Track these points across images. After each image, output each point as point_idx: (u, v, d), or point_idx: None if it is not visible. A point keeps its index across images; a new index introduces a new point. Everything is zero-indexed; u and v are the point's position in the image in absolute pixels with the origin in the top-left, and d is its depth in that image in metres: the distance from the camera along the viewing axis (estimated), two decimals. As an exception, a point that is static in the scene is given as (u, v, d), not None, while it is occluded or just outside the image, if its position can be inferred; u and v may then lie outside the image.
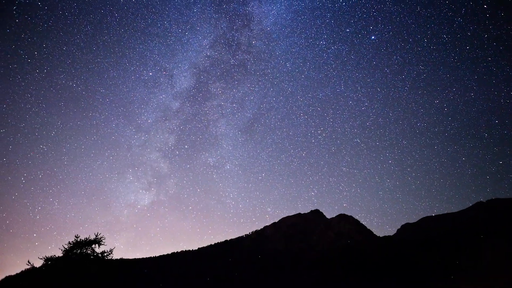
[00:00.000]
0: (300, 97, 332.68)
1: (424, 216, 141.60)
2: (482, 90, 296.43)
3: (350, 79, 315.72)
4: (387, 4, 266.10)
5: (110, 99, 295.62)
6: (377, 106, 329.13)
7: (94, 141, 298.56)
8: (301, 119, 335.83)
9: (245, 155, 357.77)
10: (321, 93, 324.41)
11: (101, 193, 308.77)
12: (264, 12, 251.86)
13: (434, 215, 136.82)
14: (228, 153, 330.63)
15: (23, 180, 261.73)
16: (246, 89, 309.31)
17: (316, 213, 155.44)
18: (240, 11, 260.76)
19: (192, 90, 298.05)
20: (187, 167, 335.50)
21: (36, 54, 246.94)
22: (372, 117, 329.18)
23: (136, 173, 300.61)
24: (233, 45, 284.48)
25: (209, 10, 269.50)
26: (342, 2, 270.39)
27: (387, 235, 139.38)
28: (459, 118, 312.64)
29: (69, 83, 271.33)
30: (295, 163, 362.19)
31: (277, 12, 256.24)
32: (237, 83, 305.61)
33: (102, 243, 21.42)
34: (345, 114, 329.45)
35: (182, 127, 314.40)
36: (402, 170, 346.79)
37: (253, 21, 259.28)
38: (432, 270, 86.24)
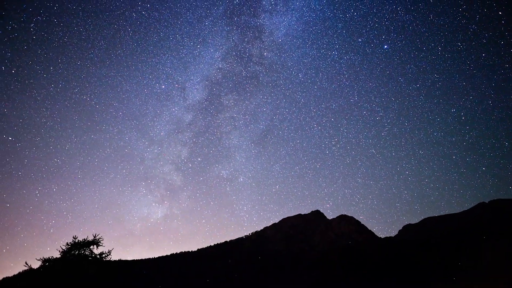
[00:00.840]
0: (313, 108, 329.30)
1: (427, 216, 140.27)
2: (500, 98, 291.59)
3: (364, 89, 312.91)
4: (399, 13, 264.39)
5: (123, 112, 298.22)
6: (392, 116, 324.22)
7: (107, 154, 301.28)
8: (315, 130, 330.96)
9: (258, 167, 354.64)
10: (335, 104, 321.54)
11: (114, 206, 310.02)
12: (275, 23, 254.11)
13: (437, 216, 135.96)
14: (241, 165, 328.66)
15: (37, 193, 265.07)
16: (258, 100, 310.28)
17: (317, 214, 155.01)
18: (251, 23, 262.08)
19: (204, 102, 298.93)
20: (200, 179, 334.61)
21: (52, 69, 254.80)
22: (387, 127, 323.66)
23: (149, 186, 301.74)
24: (244, 57, 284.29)
25: (220, 23, 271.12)
26: (353, 12, 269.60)
27: (388, 235, 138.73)
28: (477, 127, 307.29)
29: (83, 97, 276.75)
30: (309, 175, 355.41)
31: (288, 24, 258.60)
32: (249, 95, 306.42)
33: (101, 244, 21.07)
34: (359, 125, 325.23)
35: (195, 140, 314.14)
36: (420, 181, 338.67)
37: (264, 32, 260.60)
38: (432, 270, 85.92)
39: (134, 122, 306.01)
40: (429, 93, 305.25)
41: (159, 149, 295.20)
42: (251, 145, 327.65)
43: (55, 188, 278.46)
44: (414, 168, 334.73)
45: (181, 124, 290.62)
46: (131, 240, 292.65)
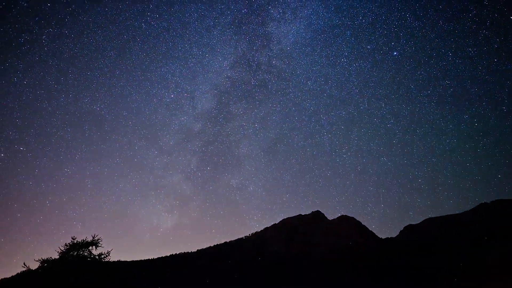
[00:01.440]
0: (323, 116, 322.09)
1: (428, 217, 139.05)
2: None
3: (374, 96, 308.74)
4: (408, 20, 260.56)
5: (133, 122, 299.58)
6: (403, 123, 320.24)
7: (117, 164, 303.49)
8: (325, 138, 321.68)
9: (268, 176, 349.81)
10: (344, 112, 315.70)
11: (124, 216, 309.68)
12: (283, 32, 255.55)
13: (438, 216, 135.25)
14: (251, 174, 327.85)
15: (47, 203, 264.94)
16: (267, 109, 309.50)
17: (317, 215, 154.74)
18: (260, 32, 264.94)
19: (213, 111, 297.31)
20: (210, 189, 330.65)
21: (62, 80, 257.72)
22: (399, 135, 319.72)
23: (158, 195, 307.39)
24: (253, 66, 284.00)
25: (228, 32, 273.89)
26: (362, 19, 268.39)
27: (389, 236, 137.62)
28: (492, 134, 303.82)
29: (93, 107, 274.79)
30: (320, 183, 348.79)
31: (296, 32, 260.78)
32: (258, 103, 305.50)
33: (99, 245, 20.80)
34: (370, 132, 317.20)
35: (204, 149, 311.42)
36: (434, 189, 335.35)
37: (272, 41, 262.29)
38: (433, 271, 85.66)
39: (143, 132, 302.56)
40: (440, 99, 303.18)
41: (169, 159, 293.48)
42: (261, 154, 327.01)
43: (65, 198, 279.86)
44: (427, 176, 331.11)
45: (190, 133, 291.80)
46: (141, 250, 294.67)
